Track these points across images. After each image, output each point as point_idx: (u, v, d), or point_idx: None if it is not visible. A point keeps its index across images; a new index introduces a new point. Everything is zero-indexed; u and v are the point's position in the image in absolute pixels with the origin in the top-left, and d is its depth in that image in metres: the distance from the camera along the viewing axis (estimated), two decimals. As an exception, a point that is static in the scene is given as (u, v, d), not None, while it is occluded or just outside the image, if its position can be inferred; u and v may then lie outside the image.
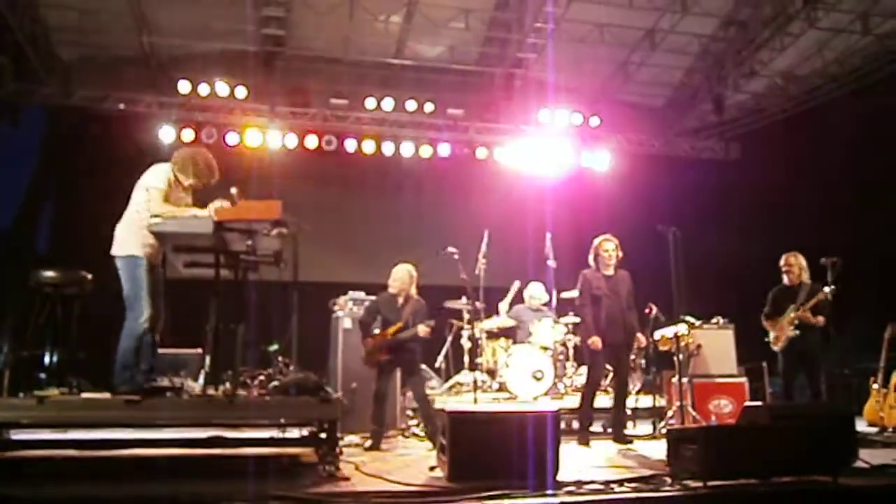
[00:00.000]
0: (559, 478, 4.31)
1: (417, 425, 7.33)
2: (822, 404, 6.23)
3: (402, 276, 6.78)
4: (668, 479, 4.27)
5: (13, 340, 8.61)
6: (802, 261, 7.01)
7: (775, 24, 10.28)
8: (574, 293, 7.39)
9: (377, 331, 6.74)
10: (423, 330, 6.51)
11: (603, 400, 7.46)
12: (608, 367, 7.49)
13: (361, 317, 6.97)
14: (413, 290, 6.80)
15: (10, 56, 9.81)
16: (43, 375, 5.48)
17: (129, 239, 4.98)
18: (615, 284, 6.82)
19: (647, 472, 4.48)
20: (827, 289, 6.61)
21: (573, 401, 7.57)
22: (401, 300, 6.76)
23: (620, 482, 4.18)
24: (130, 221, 5.02)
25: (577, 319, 7.57)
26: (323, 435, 4.52)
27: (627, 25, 10.61)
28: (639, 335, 6.87)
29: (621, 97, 12.34)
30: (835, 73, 10.79)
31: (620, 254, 6.88)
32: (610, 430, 6.97)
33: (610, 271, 6.85)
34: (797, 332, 6.74)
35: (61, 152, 10.62)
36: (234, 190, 5.02)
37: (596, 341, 6.65)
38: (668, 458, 4.50)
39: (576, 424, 6.75)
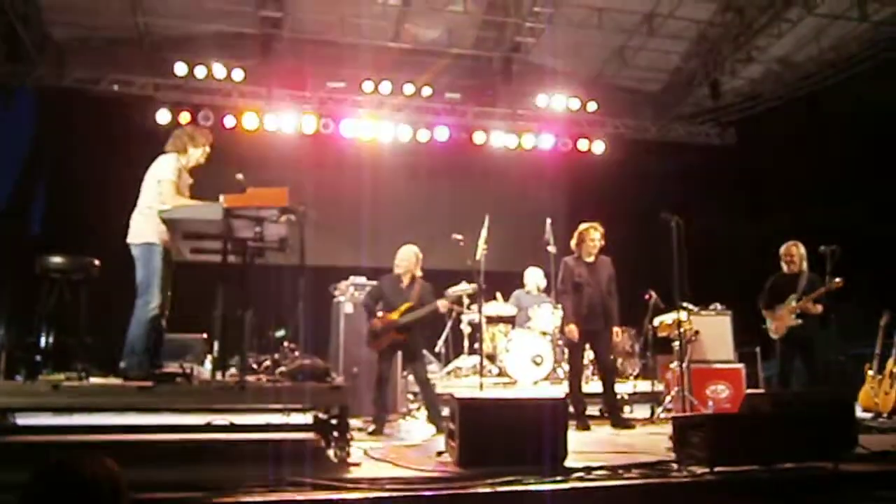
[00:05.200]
0: (567, 463, 4.38)
1: (418, 409, 7.39)
2: (822, 391, 6.32)
3: (408, 257, 6.79)
4: (675, 466, 4.33)
5: (9, 323, 8.61)
6: (803, 250, 7.09)
7: (773, 10, 10.26)
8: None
9: (380, 313, 6.74)
10: (443, 304, 6.54)
11: (597, 385, 7.54)
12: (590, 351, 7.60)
13: (364, 300, 6.96)
14: (418, 272, 6.82)
15: (2, 36, 9.68)
16: (39, 358, 5.47)
17: (146, 227, 5.02)
18: (596, 271, 6.92)
19: (653, 458, 4.55)
20: (839, 279, 6.69)
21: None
22: (405, 281, 6.77)
23: (628, 468, 4.24)
24: (147, 211, 5.05)
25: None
26: (334, 420, 4.55)
27: (625, 10, 10.57)
28: (615, 328, 6.93)
29: (618, 82, 12.34)
30: (831, 59, 10.82)
31: (603, 243, 6.98)
32: (607, 414, 7.07)
33: (591, 258, 6.95)
34: (799, 320, 6.85)
35: (54, 135, 10.50)
36: (239, 176, 5.04)
37: (572, 330, 6.77)
38: (674, 445, 4.56)
39: (570, 409, 6.82)
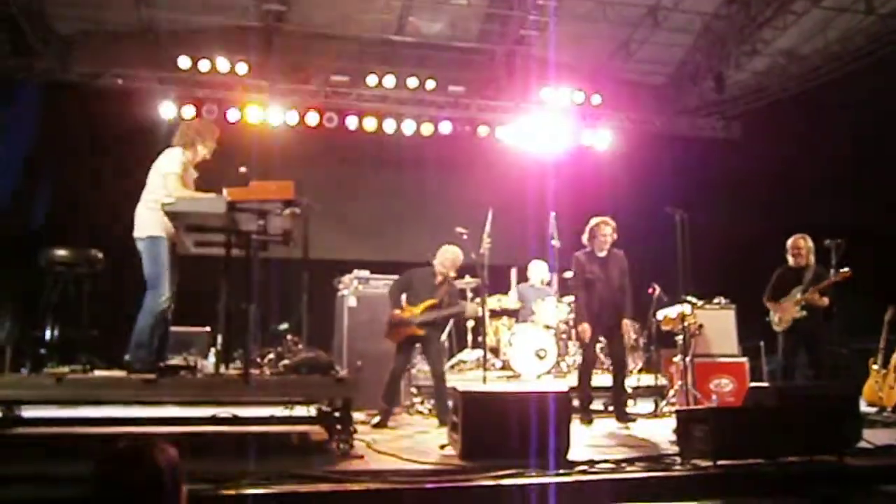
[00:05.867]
0: (570, 457, 4.38)
1: (422, 402, 7.39)
2: (827, 385, 6.30)
3: (452, 258, 6.71)
4: (678, 459, 4.34)
5: (14, 317, 8.63)
6: (811, 243, 7.05)
7: (778, 3, 10.19)
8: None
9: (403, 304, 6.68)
10: (472, 308, 6.53)
11: (603, 378, 7.53)
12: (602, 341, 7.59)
13: (391, 288, 6.82)
14: (452, 273, 6.79)
15: (6, 30, 9.67)
16: (44, 351, 5.50)
17: (151, 220, 5.04)
18: (608, 266, 6.88)
19: (656, 452, 4.56)
20: (846, 269, 6.67)
21: (576, 379, 7.65)
22: (439, 279, 6.73)
23: (631, 461, 4.25)
24: (152, 205, 5.06)
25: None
26: (337, 413, 4.56)
27: (630, 3, 10.51)
28: (625, 321, 6.88)
29: (623, 75, 12.28)
30: (837, 52, 10.76)
31: (615, 237, 6.93)
32: (611, 408, 7.06)
33: (603, 253, 6.90)
34: (803, 313, 6.82)
35: (58, 129, 10.48)
36: (243, 169, 5.03)
37: (585, 330, 6.74)
38: (678, 438, 4.56)
39: (576, 403, 6.81)
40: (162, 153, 5.24)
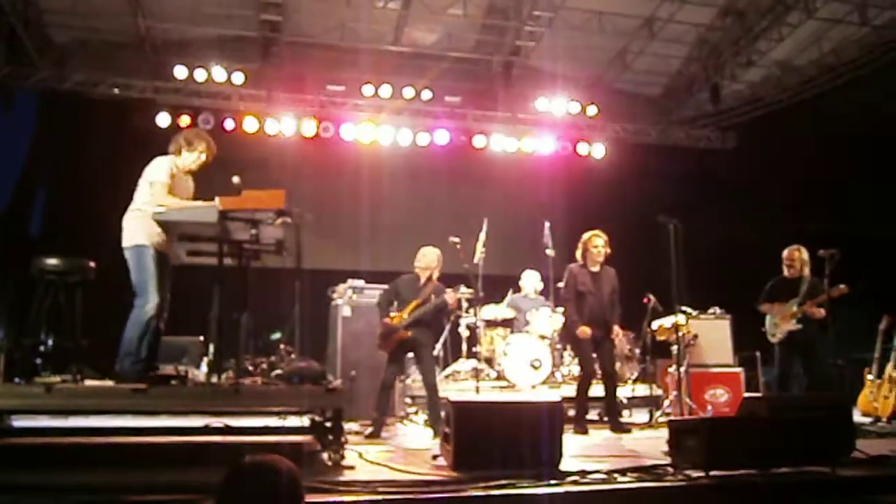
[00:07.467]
0: (562, 467, 4.36)
1: (416, 413, 7.37)
2: (819, 395, 6.29)
3: (430, 257, 6.76)
4: (671, 469, 4.31)
5: (8, 326, 8.60)
6: (805, 255, 7.07)
7: (773, 14, 10.26)
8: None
9: (393, 314, 6.68)
10: (451, 296, 6.51)
11: (596, 389, 7.52)
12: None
13: (380, 298, 6.86)
14: (436, 274, 6.80)
15: (3, 39, 9.70)
16: (39, 361, 5.47)
17: (136, 229, 5.02)
18: (599, 281, 6.89)
19: (648, 462, 4.53)
20: (843, 286, 6.68)
21: (571, 389, 7.64)
22: (423, 280, 6.74)
23: (623, 472, 4.22)
24: (137, 213, 5.05)
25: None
26: (328, 423, 4.54)
27: (626, 14, 10.57)
28: (615, 327, 6.90)
29: (618, 86, 12.32)
30: (832, 63, 10.80)
31: (608, 250, 6.93)
32: (606, 418, 7.05)
33: (596, 268, 6.92)
34: (799, 325, 6.83)
35: (54, 137, 10.49)
36: (236, 179, 5.02)
37: (584, 330, 6.74)
38: (671, 449, 4.54)
39: (571, 412, 6.80)
40: (151, 161, 5.22)
